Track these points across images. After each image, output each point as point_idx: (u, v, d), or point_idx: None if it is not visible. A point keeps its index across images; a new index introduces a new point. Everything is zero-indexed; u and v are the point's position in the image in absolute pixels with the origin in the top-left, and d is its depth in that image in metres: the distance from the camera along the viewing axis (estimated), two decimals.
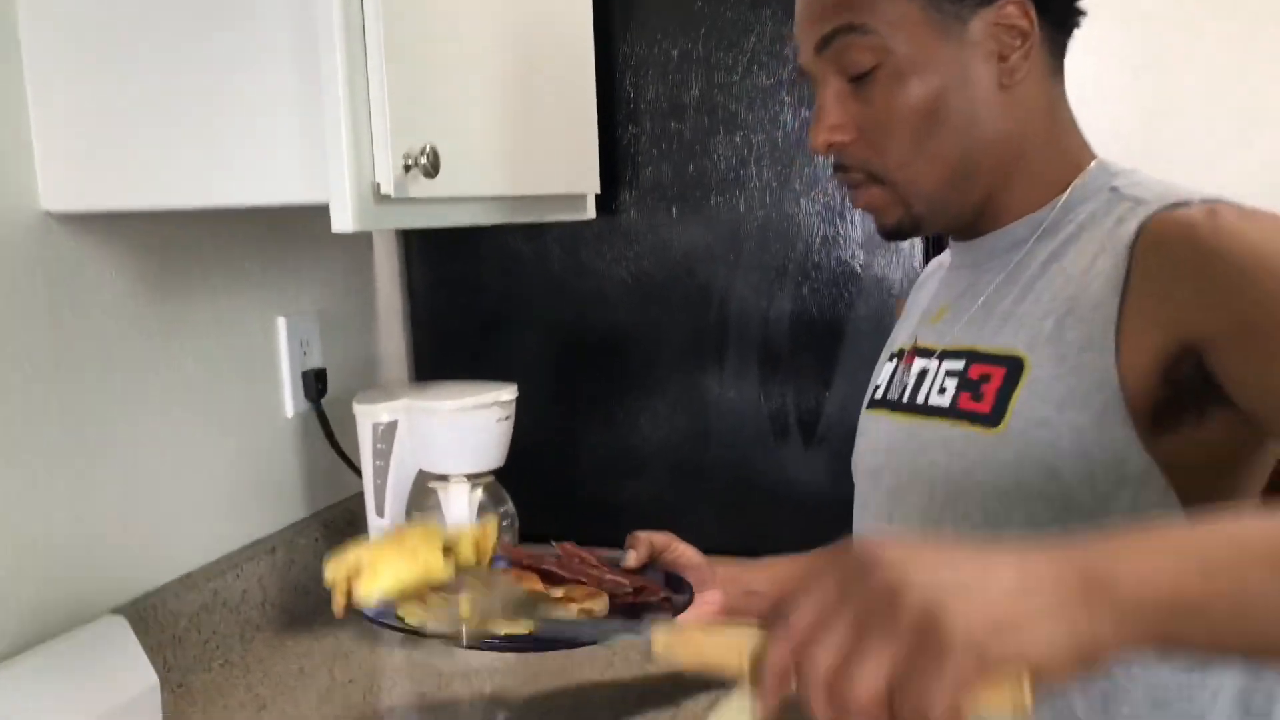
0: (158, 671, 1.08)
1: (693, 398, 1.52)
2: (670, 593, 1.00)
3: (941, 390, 0.88)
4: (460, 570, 0.94)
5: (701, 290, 1.49)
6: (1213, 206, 0.77)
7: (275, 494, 1.38)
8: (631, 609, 0.97)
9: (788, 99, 1.41)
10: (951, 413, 0.86)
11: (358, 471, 1.38)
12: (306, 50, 0.92)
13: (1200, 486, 0.78)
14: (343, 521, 1.46)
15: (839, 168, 0.90)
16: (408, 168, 0.96)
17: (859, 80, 0.85)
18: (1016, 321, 0.84)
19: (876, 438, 0.97)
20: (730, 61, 1.43)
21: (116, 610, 1.10)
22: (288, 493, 1.41)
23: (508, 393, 1.31)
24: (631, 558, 1.04)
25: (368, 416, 1.32)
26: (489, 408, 1.28)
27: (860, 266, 1.41)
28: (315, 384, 1.41)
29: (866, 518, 0.98)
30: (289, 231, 1.40)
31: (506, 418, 1.31)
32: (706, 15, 1.43)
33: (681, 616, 0.97)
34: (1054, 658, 0.48)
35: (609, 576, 1.00)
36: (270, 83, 0.94)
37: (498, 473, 1.34)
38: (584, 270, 1.54)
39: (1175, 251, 0.76)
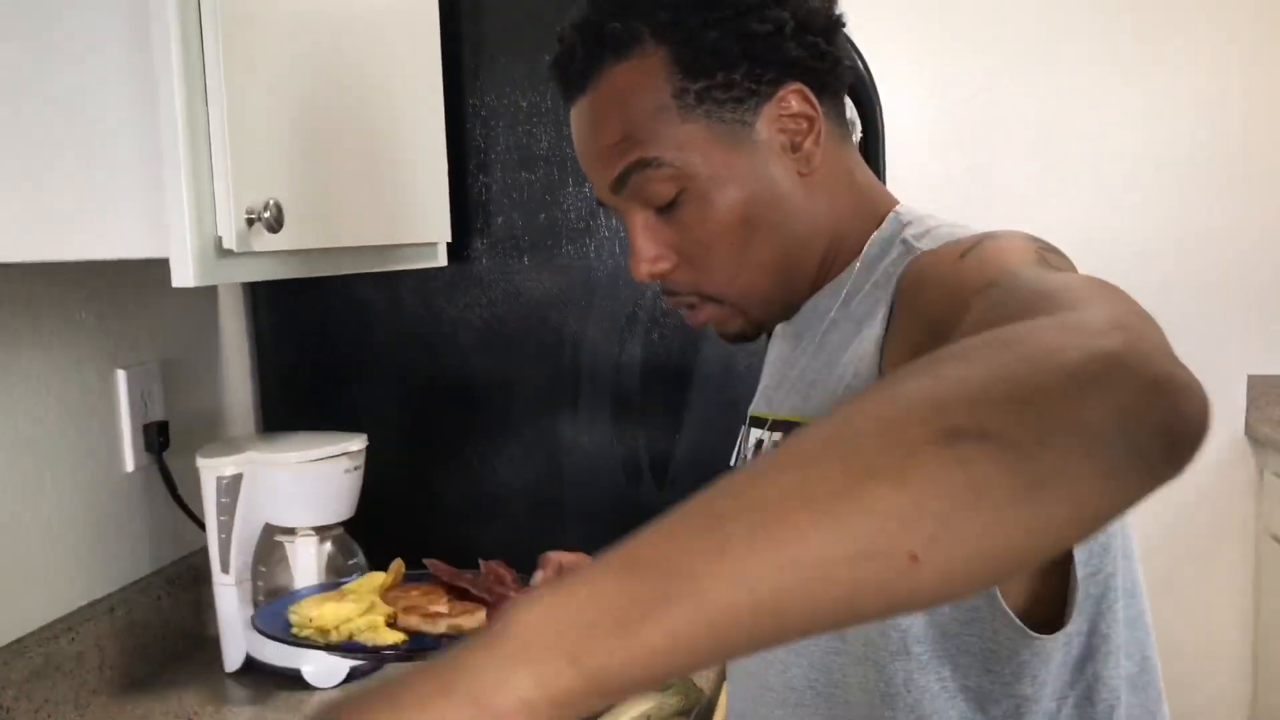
0: None
1: (548, 442, 1.53)
2: None
3: None
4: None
5: (554, 336, 1.51)
6: (978, 238, 0.75)
7: (114, 551, 1.34)
8: None
9: None
10: None
11: (202, 526, 1.35)
12: (145, 104, 0.91)
13: None
14: (187, 578, 1.42)
15: (668, 292, 0.89)
16: (251, 222, 0.95)
17: (665, 209, 0.84)
18: (822, 388, 0.85)
19: None
20: None
21: None
22: (128, 549, 1.36)
23: (356, 443, 1.30)
24: (539, 579, 1.04)
25: (211, 470, 1.29)
26: (336, 459, 1.28)
27: None
28: (157, 437, 1.37)
29: None
30: (128, 280, 1.36)
31: (355, 468, 1.30)
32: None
33: None
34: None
35: (514, 595, 1.05)
36: (107, 136, 0.93)
37: (348, 524, 1.33)
38: (437, 318, 1.55)
39: (908, 289, 0.77)
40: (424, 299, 1.55)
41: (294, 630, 1.06)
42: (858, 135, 1.64)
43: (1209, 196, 2.40)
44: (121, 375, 1.34)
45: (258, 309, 1.61)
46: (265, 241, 0.97)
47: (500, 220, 1.51)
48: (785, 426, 0.91)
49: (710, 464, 1.47)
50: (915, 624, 0.77)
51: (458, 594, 1.08)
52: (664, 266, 0.86)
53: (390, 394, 1.58)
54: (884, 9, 2.42)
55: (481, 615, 1.04)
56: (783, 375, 0.95)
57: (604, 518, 1.52)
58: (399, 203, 1.28)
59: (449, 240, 1.42)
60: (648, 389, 1.49)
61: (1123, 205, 2.43)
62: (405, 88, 1.31)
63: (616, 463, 1.51)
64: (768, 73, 0.82)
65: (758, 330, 0.92)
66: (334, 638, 1.03)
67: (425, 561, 1.15)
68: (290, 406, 1.62)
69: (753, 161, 0.83)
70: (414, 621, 1.04)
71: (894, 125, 1.59)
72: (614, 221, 1.47)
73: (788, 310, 0.91)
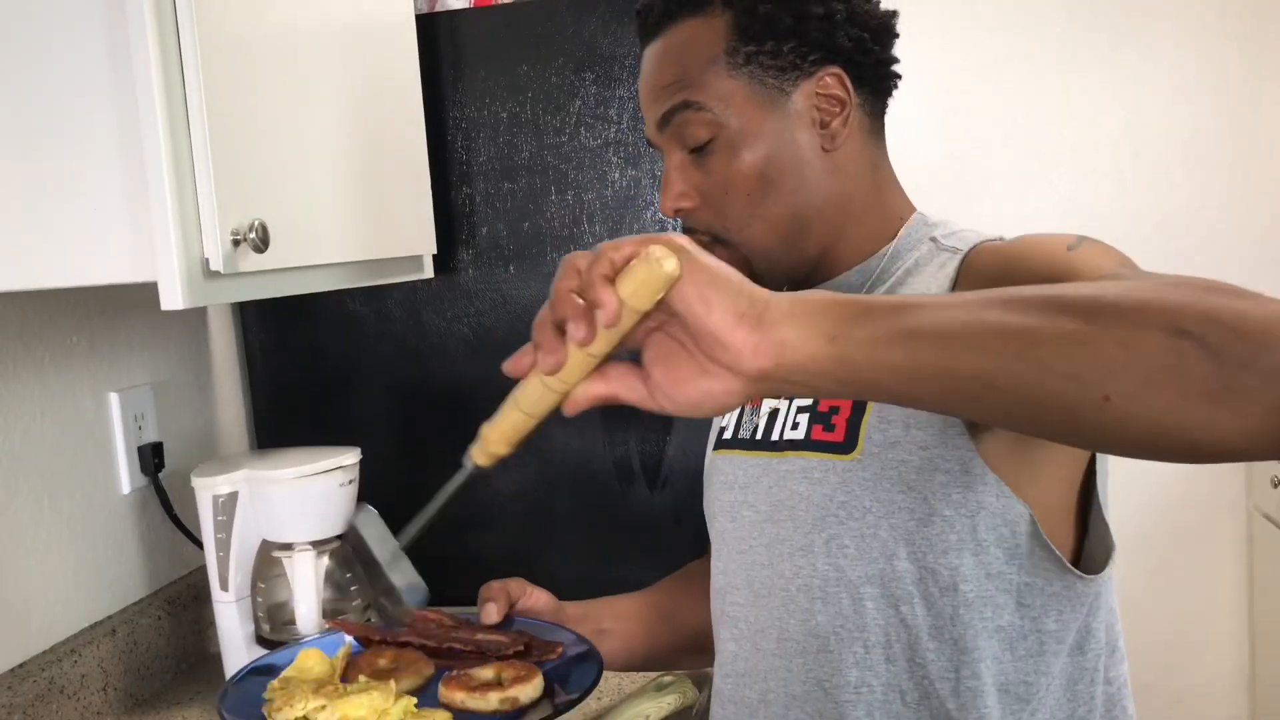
0: None
1: (540, 448, 1.55)
2: (560, 645, 0.95)
3: (794, 426, 0.94)
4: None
5: None
6: (1075, 235, 0.84)
7: (113, 573, 1.35)
8: (545, 671, 0.91)
9: (615, 159, 1.47)
10: (807, 445, 0.91)
11: (200, 545, 1.36)
12: (129, 129, 0.92)
13: (1028, 476, 0.85)
14: (187, 597, 1.43)
15: (687, 230, 0.96)
16: (236, 243, 0.97)
17: (698, 151, 0.93)
18: None
19: (731, 475, 1.00)
20: (558, 124, 1.48)
21: None
22: (127, 571, 1.37)
23: (350, 457, 1.31)
24: (493, 611, 1.01)
25: (207, 489, 1.30)
26: (331, 473, 1.29)
27: None
28: (152, 458, 1.38)
29: (726, 553, 1.00)
30: (118, 304, 1.38)
31: (350, 482, 1.31)
32: (533, 80, 1.48)
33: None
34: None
35: (480, 636, 0.95)
36: (92, 163, 0.94)
37: (344, 538, 1.34)
38: (425, 329, 1.56)
39: (986, 264, 0.86)
40: (412, 311, 1.56)
41: None
42: None
43: (1192, 182, 2.42)
44: (114, 398, 1.35)
45: (247, 328, 1.63)
46: (252, 261, 0.99)
47: (485, 231, 1.53)
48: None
49: (701, 465, 1.49)
50: (964, 562, 0.84)
51: (426, 653, 0.94)
52: (687, 204, 0.94)
53: (381, 406, 1.59)
54: None
55: (538, 675, 0.90)
56: None
57: (597, 521, 1.54)
58: (383, 217, 1.30)
59: (434, 252, 1.43)
60: None
61: (1105, 192, 2.44)
62: (385, 102, 1.32)
63: (609, 466, 1.53)
64: (813, 52, 0.91)
65: (755, 282, 0.93)
66: None
67: (330, 624, 1.02)
68: (283, 423, 1.63)
69: (782, 126, 0.92)
70: (462, 698, 0.88)
71: None
72: (598, 227, 1.48)
73: (789, 272, 0.96)
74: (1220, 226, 2.43)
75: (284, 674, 0.92)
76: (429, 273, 1.43)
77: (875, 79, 0.95)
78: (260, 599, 1.33)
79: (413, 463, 1.58)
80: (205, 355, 1.58)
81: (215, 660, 1.37)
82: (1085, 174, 2.50)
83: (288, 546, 1.30)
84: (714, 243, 0.94)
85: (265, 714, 0.86)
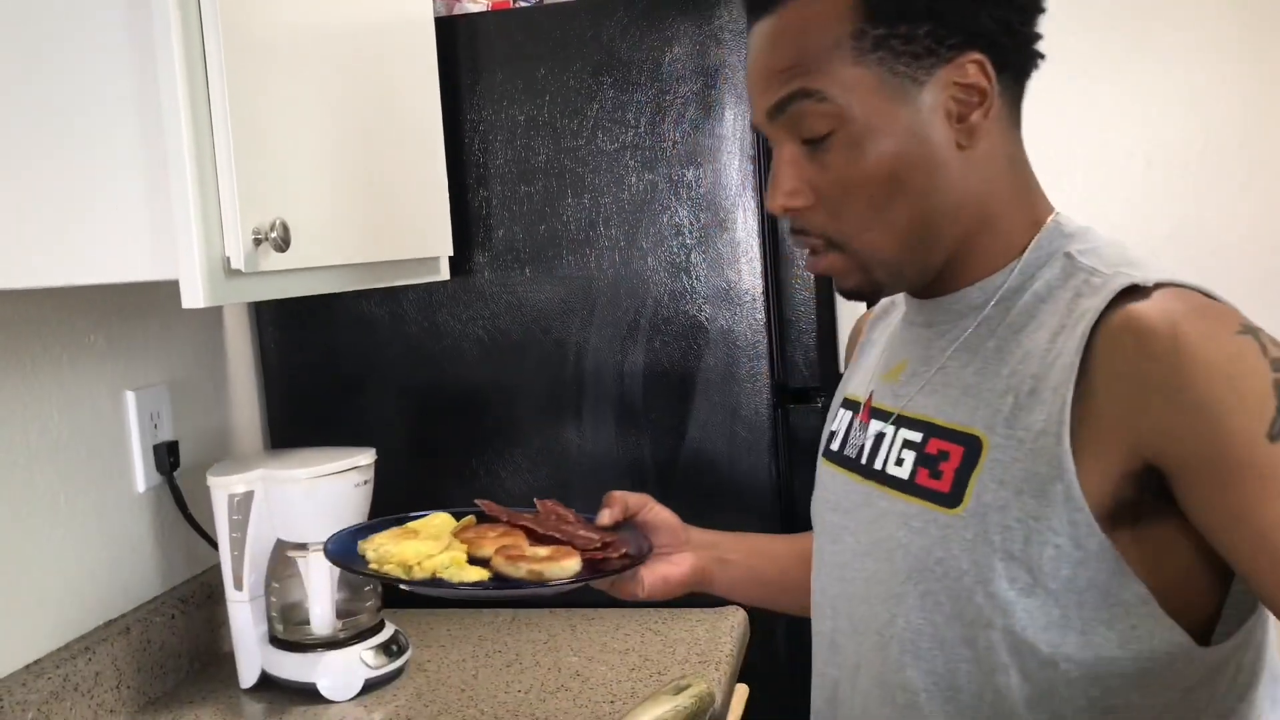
0: None
1: (553, 451, 1.55)
2: (634, 550, 1.05)
3: (899, 462, 0.87)
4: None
5: (557, 346, 1.53)
6: (1169, 313, 0.74)
7: (128, 571, 1.35)
8: (595, 564, 1.03)
9: (631, 163, 1.47)
10: (909, 487, 0.85)
11: (214, 544, 1.36)
12: (151, 128, 0.92)
13: (1163, 565, 0.77)
14: (201, 596, 1.44)
15: (796, 231, 0.87)
16: (258, 242, 0.97)
17: (814, 144, 0.83)
18: (975, 397, 0.83)
19: (836, 494, 0.95)
20: (575, 127, 1.48)
21: None
22: (141, 569, 1.37)
23: (365, 457, 1.31)
24: (605, 516, 1.08)
25: (222, 488, 1.30)
26: (346, 473, 1.29)
27: (707, 320, 1.48)
28: (167, 457, 1.39)
29: (826, 573, 0.96)
30: (136, 303, 1.38)
31: (365, 482, 1.32)
32: (550, 83, 1.49)
33: (644, 570, 1.05)
34: None
35: (581, 532, 1.06)
36: (116, 161, 0.94)
37: None
38: (440, 331, 1.56)
39: (1136, 366, 0.74)
40: (427, 313, 1.56)
41: (372, 566, 1.04)
42: None
43: (1201, 190, 2.42)
44: (131, 396, 1.36)
45: (263, 328, 1.63)
46: (272, 261, 0.99)
47: (501, 233, 1.53)
48: (920, 428, 0.87)
49: (714, 469, 1.49)
50: (1068, 641, 0.77)
51: (531, 536, 1.08)
52: (799, 202, 0.84)
53: (396, 408, 1.59)
54: None
55: (575, 560, 1.02)
56: (913, 368, 0.91)
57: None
58: (401, 218, 1.30)
59: (451, 254, 1.44)
60: (651, 396, 1.51)
61: (1118, 201, 2.44)
62: (404, 104, 1.33)
63: (621, 470, 1.53)
64: (952, 36, 0.80)
65: (876, 291, 0.89)
66: (416, 574, 1.01)
67: (477, 501, 1.16)
68: (298, 423, 1.63)
69: (914, 120, 0.81)
70: (500, 562, 1.02)
71: None
72: (614, 231, 1.49)
73: (913, 282, 0.88)
74: (1230, 237, 2.43)
75: (411, 524, 1.11)
76: (445, 275, 1.43)
77: (1019, 62, 0.84)
78: (274, 599, 1.34)
79: (426, 464, 1.59)
80: (221, 355, 1.59)
81: (228, 659, 1.37)
82: (1098, 183, 2.50)
83: (303, 546, 1.30)
84: (828, 248, 0.85)
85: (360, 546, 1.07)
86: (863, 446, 0.93)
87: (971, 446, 0.81)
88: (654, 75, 1.46)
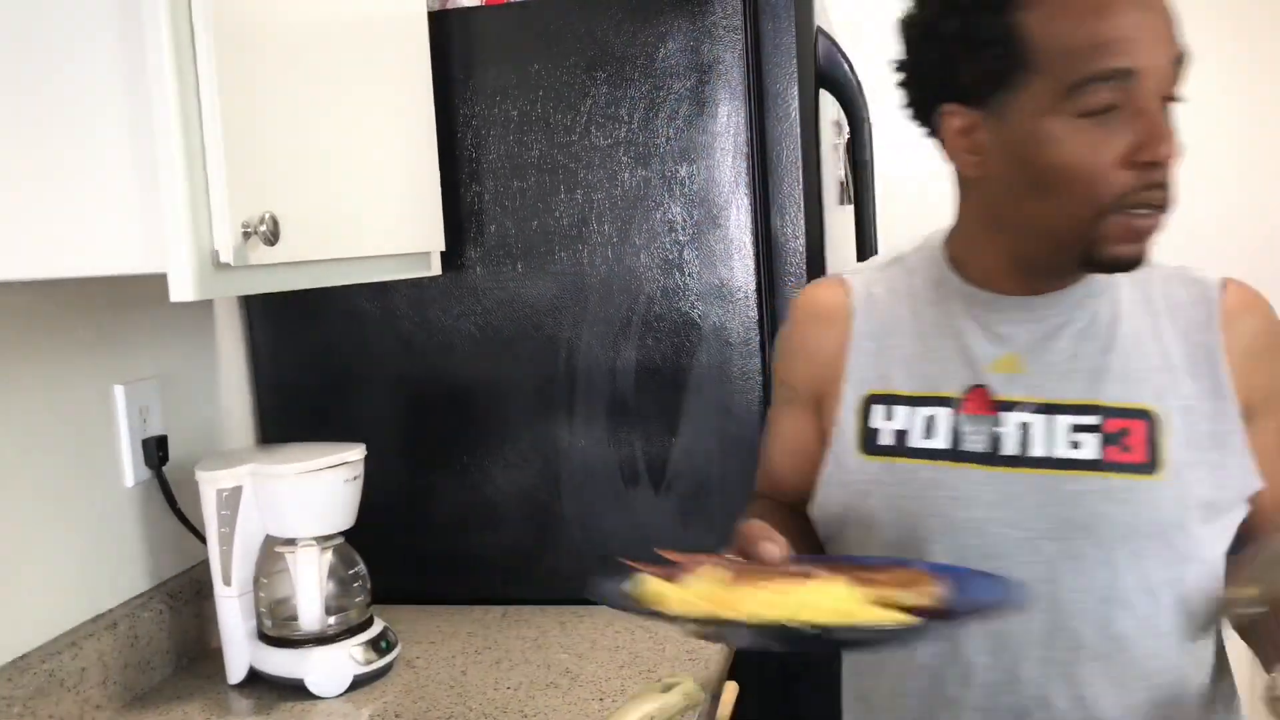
0: None
1: (544, 448, 1.54)
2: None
3: (1075, 445, 0.94)
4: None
5: (549, 342, 1.52)
6: (1259, 296, 1.01)
7: (116, 566, 1.34)
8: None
9: (625, 158, 1.47)
10: (1102, 466, 0.94)
11: (202, 539, 1.35)
12: (140, 120, 0.92)
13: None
14: (189, 591, 1.43)
15: (1153, 186, 0.88)
16: (247, 235, 0.96)
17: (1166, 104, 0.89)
18: (1124, 376, 0.96)
19: (963, 492, 0.95)
20: (568, 123, 1.48)
21: None
22: (129, 564, 1.37)
23: (355, 453, 1.31)
24: (774, 550, 0.86)
25: (211, 483, 1.29)
26: (336, 469, 1.28)
27: (699, 317, 1.47)
28: (156, 452, 1.38)
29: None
30: (125, 296, 1.37)
31: (355, 478, 1.31)
32: (544, 78, 1.48)
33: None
34: None
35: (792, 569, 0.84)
36: (105, 154, 0.94)
37: (348, 533, 1.34)
38: (431, 326, 1.56)
39: (1260, 325, 0.98)
40: (419, 308, 1.56)
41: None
42: (845, 136, 1.65)
43: (1208, 189, 2.42)
44: (119, 390, 1.35)
45: (253, 322, 1.62)
46: (261, 254, 0.98)
47: (493, 228, 1.52)
48: (1089, 411, 0.95)
49: (707, 467, 1.49)
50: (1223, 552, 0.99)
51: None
52: (1180, 156, 0.89)
53: (387, 403, 1.58)
54: (873, 12, 2.43)
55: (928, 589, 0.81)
56: (1033, 358, 0.97)
57: (601, 522, 1.53)
58: (392, 213, 1.29)
59: (443, 249, 1.43)
60: (643, 393, 1.50)
61: None
62: (396, 98, 1.32)
63: (613, 467, 1.52)
64: None
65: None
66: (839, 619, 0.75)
67: (659, 552, 0.87)
68: (288, 418, 1.62)
69: None
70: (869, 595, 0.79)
71: (883, 125, 1.61)
72: (606, 227, 1.48)
73: None
74: (1240, 236, 2.43)
75: (688, 576, 0.82)
76: (436, 270, 1.42)
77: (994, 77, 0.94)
78: (263, 594, 1.33)
79: (417, 460, 1.58)
80: (211, 349, 1.58)
81: (216, 655, 1.37)
82: None
83: (291, 542, 1.30)
84: (1157, 212, 0.90)
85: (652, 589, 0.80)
86: (999, 437, 0.96)
87: (1148, 419, 0.94)
88: (648, 71, 1.45)
